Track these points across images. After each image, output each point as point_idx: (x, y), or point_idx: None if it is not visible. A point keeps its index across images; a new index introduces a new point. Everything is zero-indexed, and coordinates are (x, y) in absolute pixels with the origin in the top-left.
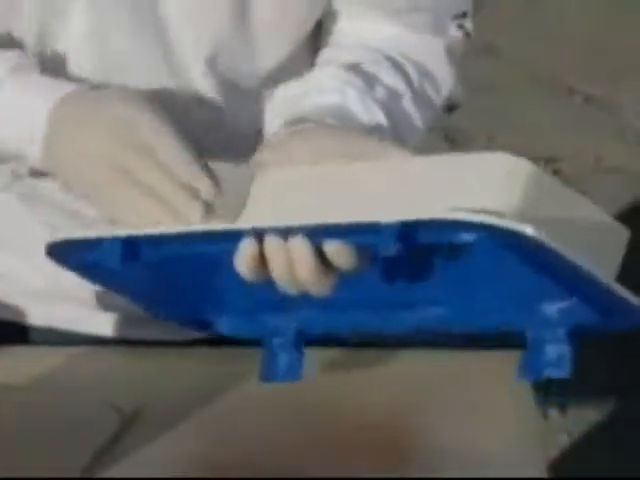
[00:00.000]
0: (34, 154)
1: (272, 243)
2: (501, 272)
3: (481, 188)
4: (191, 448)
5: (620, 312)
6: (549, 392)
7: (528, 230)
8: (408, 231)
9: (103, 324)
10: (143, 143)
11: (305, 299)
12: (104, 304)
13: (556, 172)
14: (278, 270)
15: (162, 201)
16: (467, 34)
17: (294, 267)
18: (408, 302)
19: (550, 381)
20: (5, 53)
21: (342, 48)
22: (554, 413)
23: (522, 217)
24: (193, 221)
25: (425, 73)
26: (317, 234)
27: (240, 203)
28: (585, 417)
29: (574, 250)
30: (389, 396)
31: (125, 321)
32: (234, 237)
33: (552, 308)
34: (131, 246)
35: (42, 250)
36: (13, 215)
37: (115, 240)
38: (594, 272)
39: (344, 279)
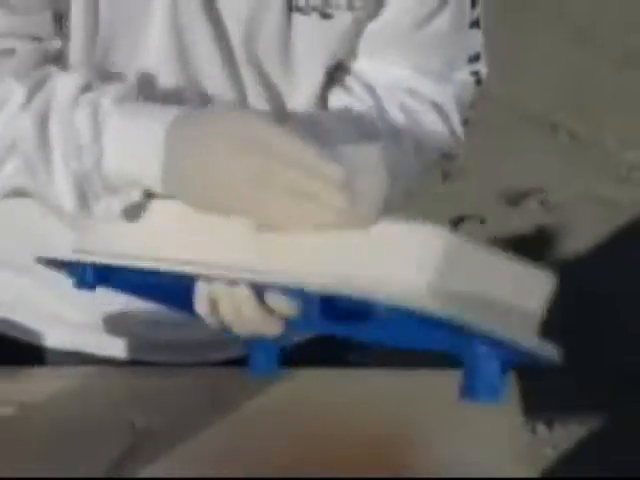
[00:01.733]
0: (154, 178)
1: (219, 290)
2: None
3: (400, 260)
4: (201, 463)
5: (540, 357)
6: (537, 407)
7: (443, 313)
8: (328, 298)
9: (117, 348)
10: (270, 146)
11: None
12: (118, 330)
13: (541, 202)
14: (227, 315)
15: (310, 199)
16: (478, 81)
17: (240, 313)
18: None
19: (538, 396)
20: (107, 86)
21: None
22: (541, 428)
23: (438, 287)
24: (344, 208)
25: (416, 124)
26: (257, 286)
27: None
28: (571, 432)
29: (491, 312)
30: (383, 413)
31: (138, 346)
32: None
33: (481, 348)
34: (101, 271)
35: (62, 277)
36: (37, 240)
37: (86, 266)
38: (509, 338)
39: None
